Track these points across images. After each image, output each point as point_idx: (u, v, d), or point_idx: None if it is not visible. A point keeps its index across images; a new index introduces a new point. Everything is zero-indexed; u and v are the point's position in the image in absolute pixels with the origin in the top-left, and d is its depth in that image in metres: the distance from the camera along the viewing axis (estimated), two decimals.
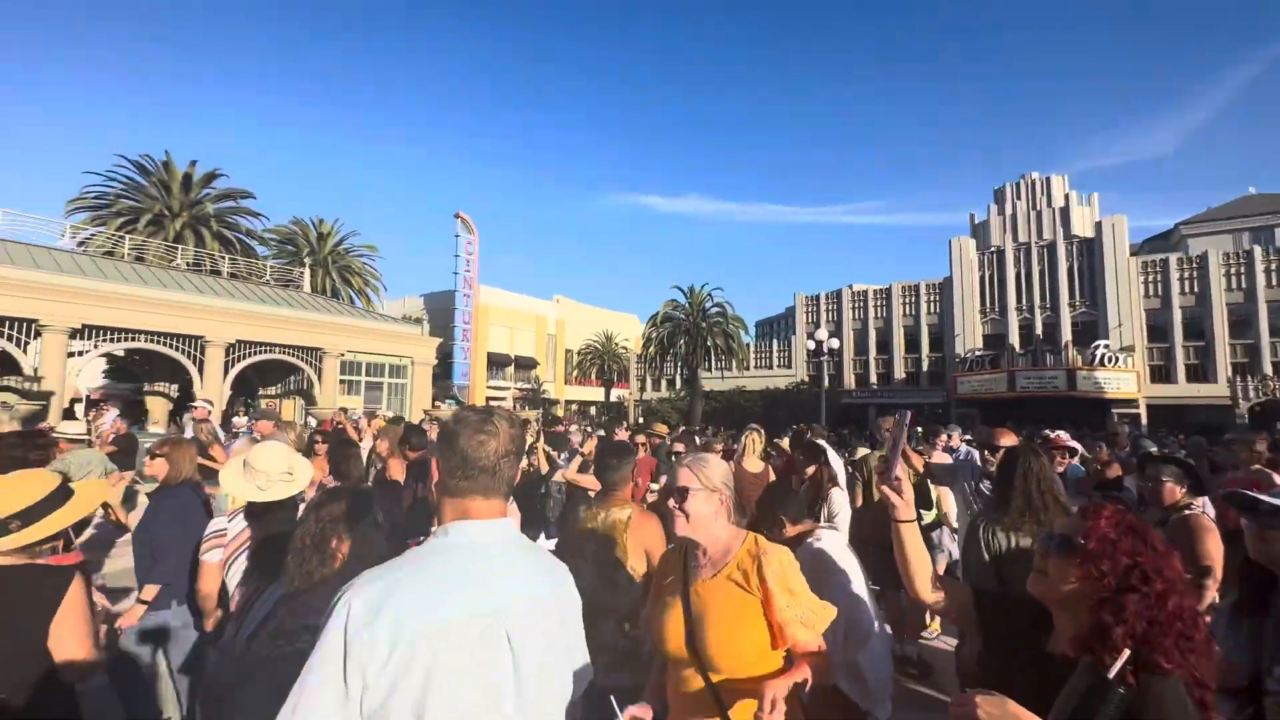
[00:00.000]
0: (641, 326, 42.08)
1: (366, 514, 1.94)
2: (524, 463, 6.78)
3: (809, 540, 2.38)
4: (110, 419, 10.83)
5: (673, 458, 6.97)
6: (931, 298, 40.42)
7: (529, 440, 7.04)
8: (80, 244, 22.93)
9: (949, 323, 38.84)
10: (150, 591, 2.98)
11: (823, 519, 3.77)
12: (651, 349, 36.43)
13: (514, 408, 34.01)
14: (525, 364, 44.84)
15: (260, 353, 19.56)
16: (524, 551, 1.31)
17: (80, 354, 16.22)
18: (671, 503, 1.72)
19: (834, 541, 2.39)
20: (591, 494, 4.18)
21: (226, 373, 18.56)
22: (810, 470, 4.16)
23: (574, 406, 44.56)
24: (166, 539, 2.94)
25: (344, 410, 13.70)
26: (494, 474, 1.25)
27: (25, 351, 15.08)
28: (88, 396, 21.41)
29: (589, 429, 12.39)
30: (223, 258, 23.13)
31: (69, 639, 1.73)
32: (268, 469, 2.70)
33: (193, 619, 2.99)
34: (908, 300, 41.30)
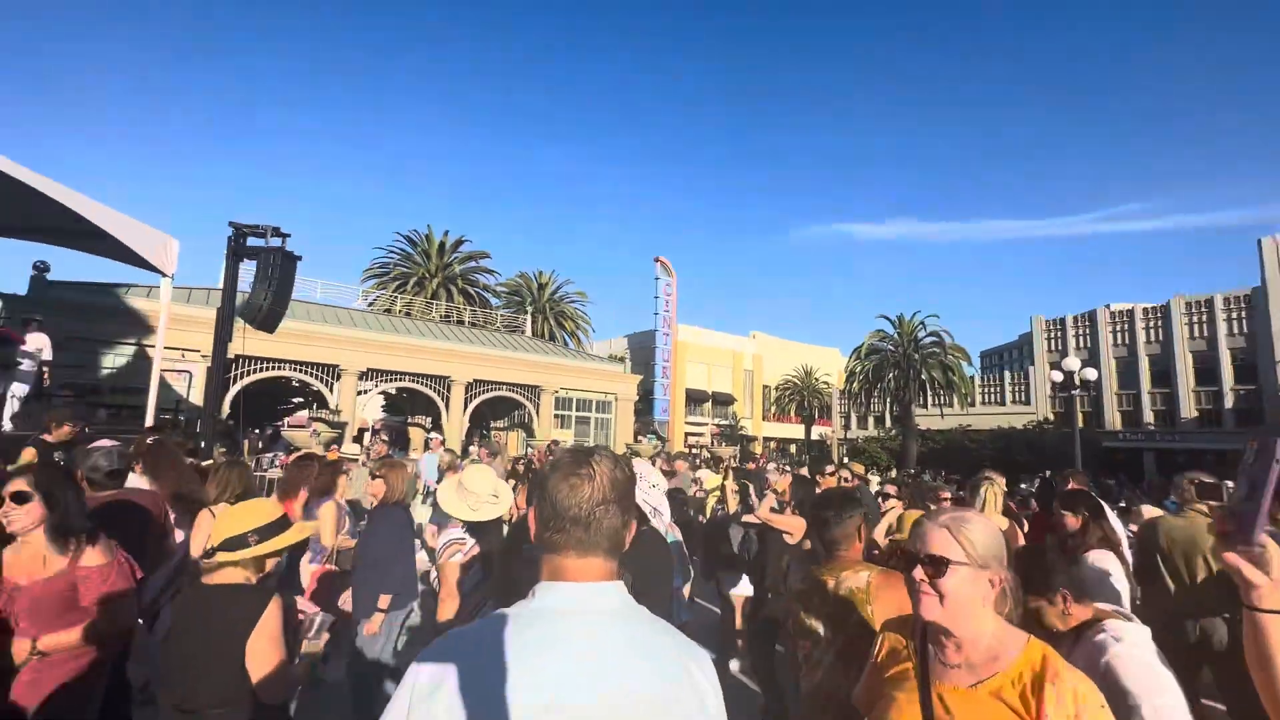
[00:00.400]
0: (844, 360, 39.62)
1: None
2: (710, 501, 6.53)
3: (1099, 636, 1.69)
4: (377, 445, 13.19)
5: (881, 501, 6.16)
6: (1234, 314, 31.71)
7: (720, 478, 6.78)
8: (370, 304, 28.94)
9: (1265, 345, 29.97)
10: (385, 600, 3.33)
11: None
12: (855, 384, 33.94)
13: (711, 443, 34.08)
14: (722, 400, 44.95)
15: (491, 390, 22.37)
16: (631, 625, 1.03)
17: (365, 392, 20.13)
18: (919, 574, 1.31)
19: (1139, 641, 1.66)
20: (788, 537, 3.79)
21: (466, 407, 21.51)
22: (1071, 520, 3.26)
23: (772, 444, 43.26)
24: (389, 552, 3.29)
25: (555, 442, 14.88)
26: (588, 526, 1.04)
27: (331, 391, 19.16)
28: (373, 427, 26.64)
29: (786, 466, 11.75)
30: (465, 309, 27.23)
31: (263, 655, 1.89)
32: (478, 491, 2.94)
33: (417, 621, 3.30)
34: (1197, 319, 32.96)
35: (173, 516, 3.12)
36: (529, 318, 30.82)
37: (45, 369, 7.92)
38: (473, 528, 2.98)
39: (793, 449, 40.23)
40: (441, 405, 21.33)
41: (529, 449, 20.73)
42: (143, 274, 9.17)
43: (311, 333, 18.72)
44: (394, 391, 25.69)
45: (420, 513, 7.24)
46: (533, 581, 1.07)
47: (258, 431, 17.80)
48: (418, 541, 4.56)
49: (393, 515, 3.50)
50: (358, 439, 19.10)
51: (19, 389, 7.57)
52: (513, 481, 5.64)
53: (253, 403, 21.37)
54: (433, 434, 9.34)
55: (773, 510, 3.99)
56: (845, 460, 33.00)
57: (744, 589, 4.93)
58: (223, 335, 9.66)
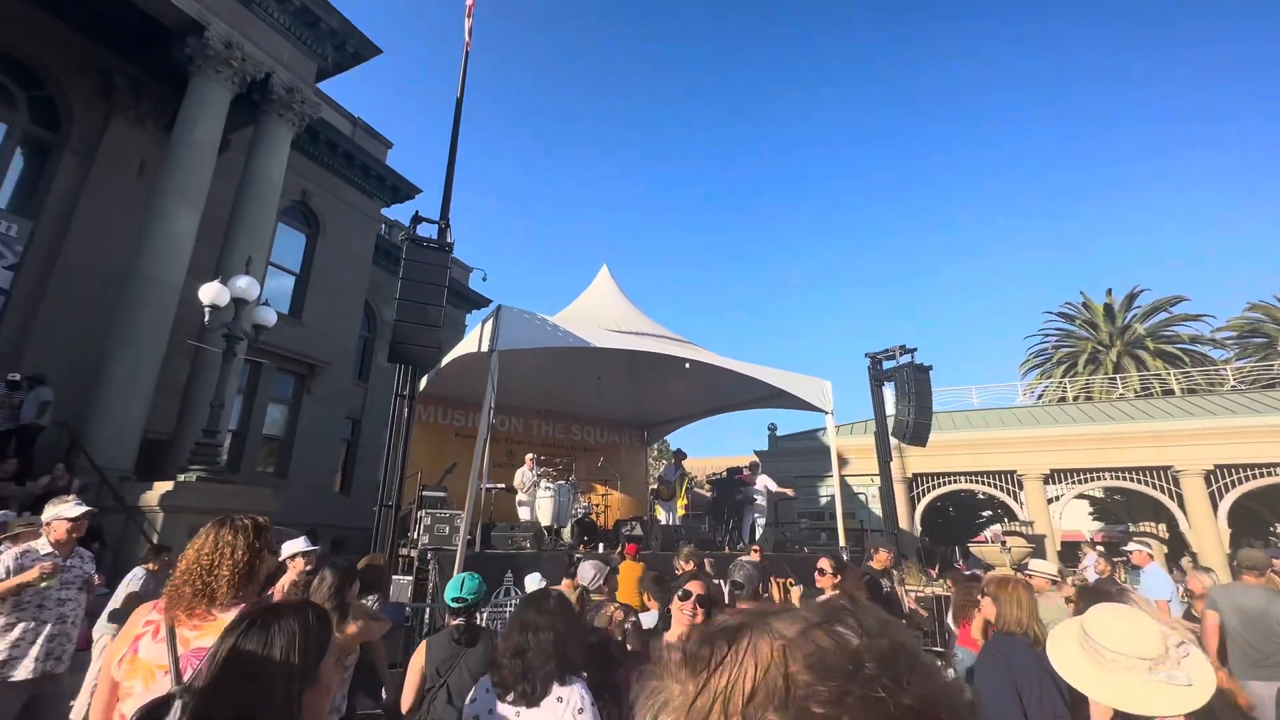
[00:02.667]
0: None
1: None
2: None
3: None
4: (1090, 560, 10.61)
5: None
6: None
7: None
8: (1039, 398, 25.91)
9: None
10: None
11: None
12: None
13: None
14: None
15: (1257, 476, 15.28)
16: None
17: (1057, 499, 17.27)
18: None
19: None
20: None
21: (1216, 505, 15.29)
22: None
23: None
24: (985, 698, 2.25)
25: None
26: None
27: (1016, 500, 17.38)
28: (1091, 539, 22.25)
29: None
30: (1169, 375, 20.62)
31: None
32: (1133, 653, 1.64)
33: None
34: None
35: None
36: None
37: (765, 499, 10.32)
38: None
39: None
40: (1173, 505, 15.91)
41: None
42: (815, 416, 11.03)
43: (976, 441, 17.96)
44: (1099, 494, 21.09)
45: None
46: None
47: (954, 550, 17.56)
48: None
49: (1003, 647, 2.49)
50: (1061, 555, 16.19)
51: (758, 519, 10.07)
52: None
53: (948, 520, 21.65)
54: (1137, 546, 6.75)
55: None
56: None
57: None
58: (883, 455, 10.37)
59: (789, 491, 10.48)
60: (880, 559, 5.32)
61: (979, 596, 2.77)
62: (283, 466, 14.00)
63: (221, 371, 7.78)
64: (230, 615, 1.68)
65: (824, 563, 4.01)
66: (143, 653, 1.67)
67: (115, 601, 4.44)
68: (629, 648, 2.95)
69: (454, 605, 2.74)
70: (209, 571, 1.71)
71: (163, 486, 7.30)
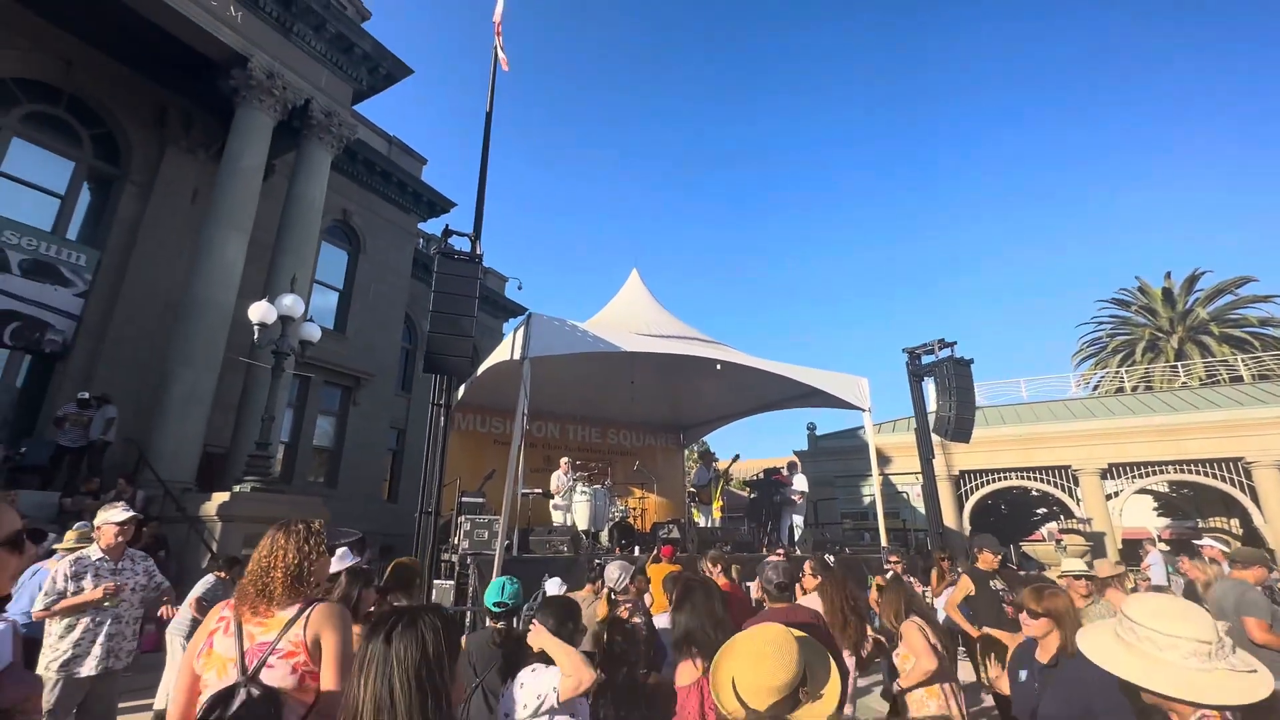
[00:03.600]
0: None
1: None
2: None
3: None
4: (1155, 559, 10.10)
5: None
6: None
7: None
8: (1094, 389, 24.75)
9: None
10: None
11: None
12: None
13: None
14: None
15: None
16: None
17: (1116, 494, 16.47)
18: None
19: None
20: None
21: None
22: None
23: None
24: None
25: None
26: None
27: (1072, 496, 16.64)
28: (1158, 535, 21.11)
29: None
30: (1238, 360, 19.44)
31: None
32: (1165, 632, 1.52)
33: None
34: None
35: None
36: None
37: (800, 499, 10.18)
38: None
39: None
40: (1244, 498, 14.99)
41: None
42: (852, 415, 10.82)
43: (1027, 435, 17.29)
44: (1164, 489, 20.01)
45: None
46: None
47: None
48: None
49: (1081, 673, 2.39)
50: (1122, 553, 15.43)
51: (797, 520, 9.94)
52: None
53: (1000, 518, 20.88)
54: (1211, 542, 6.33)
55: None
56: None
57: None
58: (925, 452, 10.11)
59: (798, 489, 10.13)
60: (986, 560, 5.10)
61: (1037, 611, 2.55)
62: (332, 476, 14.52)
63: (271, 386, 8.15)
64: (289, 612, 1.80)
65: (806, 566, 3.94)
66: (216, 646, 1.81)
67: (186, 608, 4.72)
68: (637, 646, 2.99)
69: (495, 609, 2.82)
70: (266, 573, 1.84)
71: (220, 497, 7.69)
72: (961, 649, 5.63)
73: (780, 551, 7.13)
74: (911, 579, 6.66)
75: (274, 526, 1.95)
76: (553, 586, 4.56)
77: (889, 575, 4.74)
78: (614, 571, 3.73)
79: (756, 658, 1.47)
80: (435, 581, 6.32)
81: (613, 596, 3.55)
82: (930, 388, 10.92)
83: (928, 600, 6.56)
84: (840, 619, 3.37)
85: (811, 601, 3.45)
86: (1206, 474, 15.47)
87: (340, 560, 4.11)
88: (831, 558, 6.66)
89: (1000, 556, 5.28)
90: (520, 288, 14.87)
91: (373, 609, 3.03)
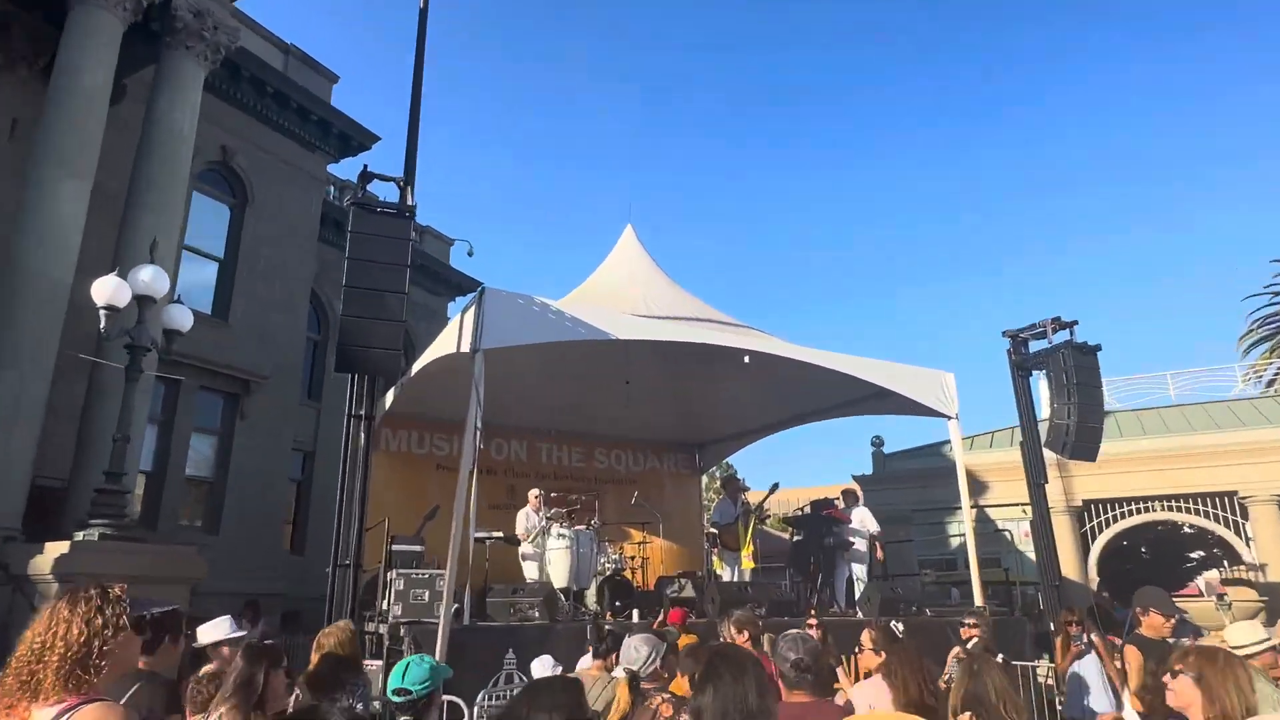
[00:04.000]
0: None
1: None
2: None
3: None
4: None
5: None
6: None
7: None
8: (1269, 384, 24.76)
9: None
10: None
11: None
12: None
13: None
14: None
15: None
16: None
17: None
18: None
19: None
20: None
21: None
22: None
23: None
24: None
25: None
26: None
27: (1239, 534, 16.69)
28: None
29: None
30: None
31: None
32: None
33: None
34: None
35: None
36: None
37: (878, 543, 10.17)
38: None
39: None
40: None
41: None
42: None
43: (1177, 451, 17.33)
44: None
45: None
46: None
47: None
48: None
49: None
50: None
51: (858, 570, 9.95)
52: None
53: (1140, 564, 20.89)
54: None
55: None
56: None
57: None
58: (1035, 474, 10.12)
59: (859, 528, 10.08)
60: (1154, 625, 4.97)
61: (1176, 677, 2.51)
62: (213, 517, 14.53)
63: (125, 395, 8.11)
64: (50, 713, 1.67)
65: (865, 637, 3.91)
66: None
67: None
68: None
69: (396, 700, 2.78)
70: (39, 658, 1.76)
71: (56, 548, 7.67)
72: None
73: (812, 622, 6.99)
74: (1000, 655, 6.63)
75: (57, 595, 1.90)
76: (542, 667, 4.55)
77: (970, 646, 4.72)
78: (640, 649, 3.65)
79: None
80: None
81: (638, 683, 3.46)
82: (1042, 386, 10.90)
83: (1042, 681, 6.55)
84: (914, 713, 3.32)
85: (873, 688, 3.42)
86: None
87: (216, 629, 4.09)
88: (901, 626, 6.60)
89: (1174, 621, 5.14)
90: (471, 253, 14.84)
91: (289, 706, 2.99)
